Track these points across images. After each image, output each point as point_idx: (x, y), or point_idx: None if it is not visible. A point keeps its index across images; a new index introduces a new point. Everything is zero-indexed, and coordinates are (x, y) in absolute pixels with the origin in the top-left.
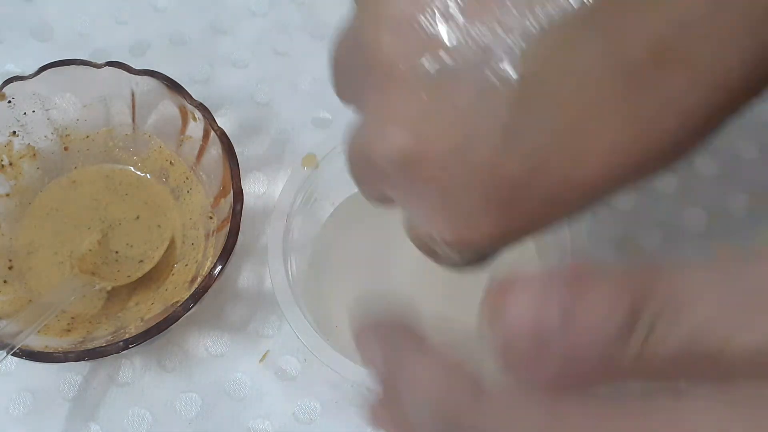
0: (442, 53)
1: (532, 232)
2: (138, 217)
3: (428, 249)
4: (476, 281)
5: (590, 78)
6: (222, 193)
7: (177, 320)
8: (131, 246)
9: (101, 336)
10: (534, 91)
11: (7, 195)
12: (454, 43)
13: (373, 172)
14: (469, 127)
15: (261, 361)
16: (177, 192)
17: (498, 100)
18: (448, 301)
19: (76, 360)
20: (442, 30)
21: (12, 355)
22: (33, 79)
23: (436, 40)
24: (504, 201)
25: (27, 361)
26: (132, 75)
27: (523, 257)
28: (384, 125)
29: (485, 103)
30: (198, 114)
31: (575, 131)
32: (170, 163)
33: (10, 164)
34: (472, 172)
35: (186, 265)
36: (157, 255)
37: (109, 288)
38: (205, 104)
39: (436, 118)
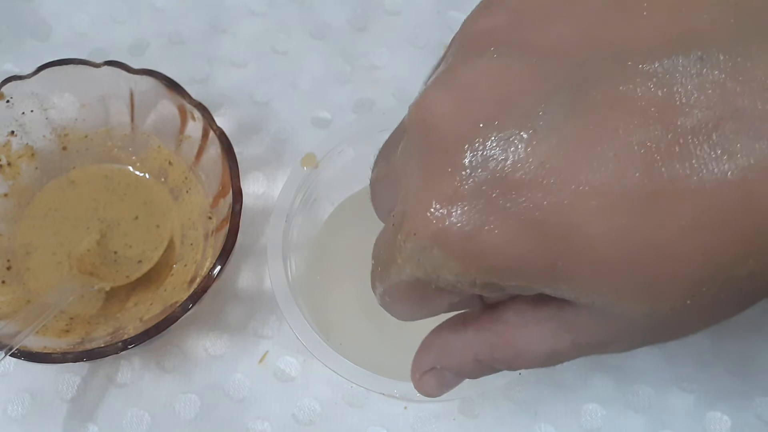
0: None
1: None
2: (137, 218)
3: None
4: None
5: None
6: (221, 193)
7: (176, 321)
8: (130, 246)
9: (100, 337)
10: None
11: (6, 195)
12: None
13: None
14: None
15: (260, 361)
16: (176, 192)
17: None
18: None
19: (75, 361)
20: None
21: (10, 355)
22: (31, 78)
23: None
24: (544, 230)
25: (25, 361)
26: (131, 74)
27: None
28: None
29: None
30: (197, 113)
31: None
32: (169, 163)
33: (9, 164)
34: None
35: (185, 265)
36: (156, 255)
37: (107, 288)
38: (204, 104)
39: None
